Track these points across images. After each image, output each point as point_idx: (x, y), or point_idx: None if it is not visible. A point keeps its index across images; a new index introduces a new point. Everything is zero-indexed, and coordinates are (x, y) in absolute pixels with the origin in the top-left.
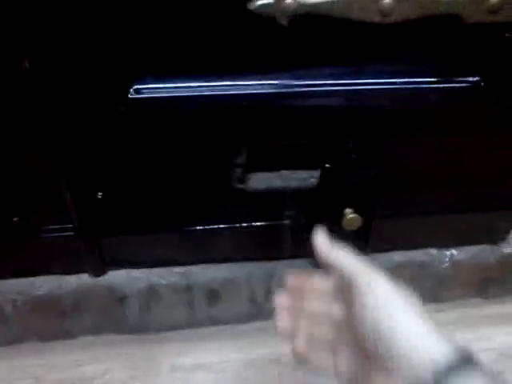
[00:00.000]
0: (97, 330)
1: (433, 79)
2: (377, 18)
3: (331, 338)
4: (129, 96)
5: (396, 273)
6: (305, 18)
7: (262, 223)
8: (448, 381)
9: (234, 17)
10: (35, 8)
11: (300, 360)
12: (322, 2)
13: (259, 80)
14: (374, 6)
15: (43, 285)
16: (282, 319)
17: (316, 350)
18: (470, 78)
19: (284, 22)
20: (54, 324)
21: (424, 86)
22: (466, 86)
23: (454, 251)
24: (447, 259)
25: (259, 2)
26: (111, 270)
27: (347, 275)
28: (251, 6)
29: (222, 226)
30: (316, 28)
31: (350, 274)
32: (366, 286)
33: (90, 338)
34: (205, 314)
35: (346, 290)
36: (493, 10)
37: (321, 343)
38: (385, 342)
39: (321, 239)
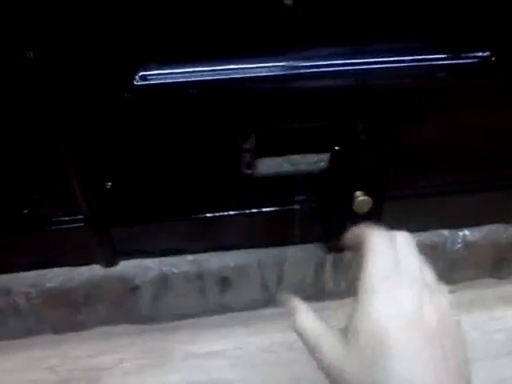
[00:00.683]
0: (110, 320)
1: (442, 55)
2: None
3: None
4: (134, 83)
5: None
6: None
7: (272, 209)
8: None
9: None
10: None
11: None
12: None
13: (266, 62)
14: None
15: (55, 277)
16: None
17: None
18: (480, 53)
19: (289, 1)
20: (68, 315)
21: (433, 62)
22: (477, 62)
23: (466, 232)
24: (460, 240)
25: None
26: (123, 260)
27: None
28: None
29: (231, 212)
30: (321, 7)
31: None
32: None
33: (103, 329)
34: (217, 301)
35: None
36: None
37: None
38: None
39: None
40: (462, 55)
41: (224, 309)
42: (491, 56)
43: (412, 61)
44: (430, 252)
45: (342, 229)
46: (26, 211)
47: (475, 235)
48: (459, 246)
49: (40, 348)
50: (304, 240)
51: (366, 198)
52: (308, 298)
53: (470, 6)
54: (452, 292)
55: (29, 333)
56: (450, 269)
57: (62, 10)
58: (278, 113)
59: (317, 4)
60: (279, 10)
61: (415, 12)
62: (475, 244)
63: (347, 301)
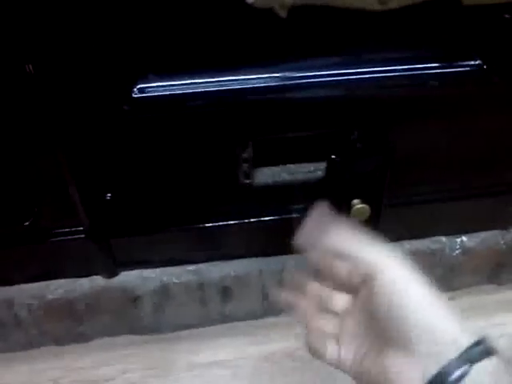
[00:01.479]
0: (112, 331)
1: (434, 64)
2: (376, 6)
3: (334, 328)
4: (133, 95)
5: None
6: (303, 9)
7: (271, 218)
8: (473, 360)
9: (232, 11)
10: (37, 10)
11: (314, 354)
12: None
13: (261, 73)
14: None
15: (57, 288)
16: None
17: (324, 342)
18: (472, 62)
19: (283, 14)
20: (70, 327)
21: (425, 71)
22: (468, 70)
23: (464, 238)
24: (458, 246)
25: None
26: (123, 270)
27: (364, 264)
28: (249, 0)
29: (230, 222)
30: (314, 19)
31: (366, 264)
32: (385, 275)
33: (105, 340)
34: (218, 310)
35: (359, 276)
36: None
37: (327, 335)
38: (405, 324)
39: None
40: (454, 64)
41: (225, 318)
42: (483, 64)
43: (404, 70)
44: (428, 259)
45: None
46: (26, 223)
47: (473, 241)
48: (457, 252)
49: (42, 360)
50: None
51: (363, 205)
52: None
53: (461, 15)
54: (451, 299)
55: (31, 345)
56: (449, 275)
57: (60, 24)
58: (274, 123)
59: (310, 16)
60: (273, 22)
61: (407, 23)
62: (473, 250)
63: None
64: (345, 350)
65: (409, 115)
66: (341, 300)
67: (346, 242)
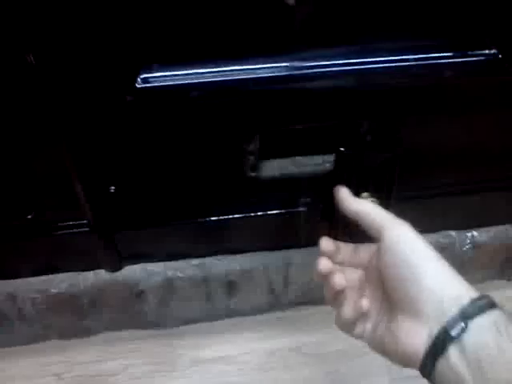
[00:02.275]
0: (116, 325)
1: (448, 54)
2: None
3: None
4: (136, 85)
5: None
6: None
7: (278, 211)
8: (473, 315)
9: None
10: (39, 1)
11: (344, 328)
12: None
13: (268, 63)
14: None
15: (61, 282)
16: (327, 290)
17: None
18: (487, 51)
19: (291, 1)
20: (74, 321)
21: (439, 61)
22: (483, 59)
23: (474, 233)
24: (468, 241)
25: None
26: (128, 264)
27: (376, 223)
28: None
29: (236, 215)
30: (324, 6)
31: (378, 223)
32: (394, 234)
33: (109, 334)
34: (223, 305)
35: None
36: None
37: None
38: (413, 284)
39: (345, 193)
40: (469, 53)
41: (230, 313)
42: (498, 53)
43: (417, 59)
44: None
45: (349, 231)
46: (29, 216)
47: (484, 236)
48: (468, 247)
49: (46, 354)
50: (310, 243)
51: (372, 199)
52: (314, 301)
53: (475, 4)
54: None
55: (34, 338)
56: (459, 270)
57: (62, 13)
58: (281, 114)
59: (319, 4)
60: (281, 10)
61: (420, 11)
62: (484, 245)
63: None
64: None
65: (420, 106)
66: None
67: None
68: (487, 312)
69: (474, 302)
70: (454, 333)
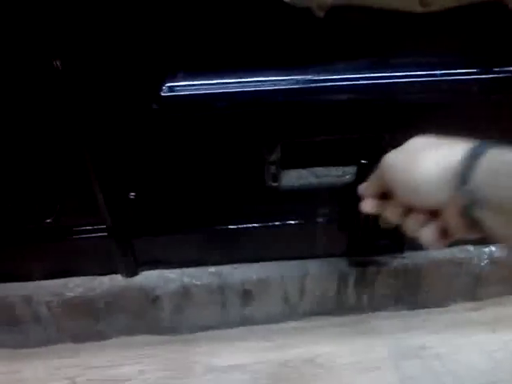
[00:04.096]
0: (130, 330)
1: (475, 70)
2: (418, 8)
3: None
4: (161, 94)
5: (435, 270)
6: (340, 10)
7: (296, 221)
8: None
9: (267, 11)
10: (67, 8)
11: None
12: None
13: (292, 75)
14: None
15: (76, 286)
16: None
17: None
18: None
19: (320, 14)
20: (88, 325)
21: (466, 77)
22: (510, 76)
23: (492, 248)
24: (486, 256)
25: None
26: (144, 270)
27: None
28: None
29: (255, 225)
30: (351, 20)
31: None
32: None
33: (123, 339)
34: (238, 314)
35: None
36: None
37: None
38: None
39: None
40: (495, 69)
41: (245, 321)
42: None
43: (443, 75)
44: (455, 268)
45: (367, 243)
46: (49, 220)
47: (501, 252)
48: (485, 262)
49: (59, 357)
50: (327, 253)
51: None
52: (329, 312)
53: (499, 21)
54: (477, 309)
55: (48, 341)
56: (476, 285)
57: (90, 22)
58: (304, 125)
59: (346, 17)
60: (308, 22)
61: (448, 26)
62: (501, 260)
63: (368, 316)
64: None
65: (442, 122)
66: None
67: None
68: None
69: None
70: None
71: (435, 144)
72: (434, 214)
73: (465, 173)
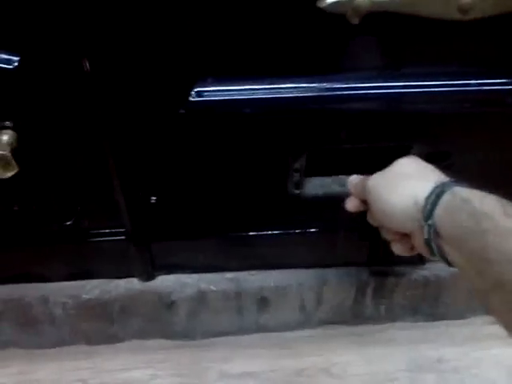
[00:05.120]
0: (144, 334)
1: (508, 80)
2: (456, 15)
3: None
4: (190, 99)
5: (455, 282)
6: (375, 16)
7: (317, 229)
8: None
9: (299, 17)
10: (97, 10)
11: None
12: None
13: (322, 82)
14: (454, 2)
15: (93, 289)
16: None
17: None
18: None
19: (355, 20)
20: (103, 328)
21: (501, 87)
22: None
23: None
24: None
25: (331, 0)
26: (161, 274)
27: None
28: (321, 4)
29: (275, 232)
30: (385, 27)
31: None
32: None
33: (137, 343)
34: (254, 320)
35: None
36: None
37: None
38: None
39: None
40: None
41: (260, 328)
42: None
43: (478, 85)
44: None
45: (388, 253)
46: (69, 223)
47: None
48: None
49: (72, 359)
50: (346, 262)
51: None
52: (346, 321)
53: None
54: (491, 323)
55: (62, 342)
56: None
57: (120, 26)
58: (331, 133)
59: (381, 24)
60: (341, 29)
61: (484, 35)
62: None
63: (385, 326)
64: None
65: (471, 133)
66: None
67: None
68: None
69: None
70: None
71: (415, 173)
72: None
73: (429, 209)
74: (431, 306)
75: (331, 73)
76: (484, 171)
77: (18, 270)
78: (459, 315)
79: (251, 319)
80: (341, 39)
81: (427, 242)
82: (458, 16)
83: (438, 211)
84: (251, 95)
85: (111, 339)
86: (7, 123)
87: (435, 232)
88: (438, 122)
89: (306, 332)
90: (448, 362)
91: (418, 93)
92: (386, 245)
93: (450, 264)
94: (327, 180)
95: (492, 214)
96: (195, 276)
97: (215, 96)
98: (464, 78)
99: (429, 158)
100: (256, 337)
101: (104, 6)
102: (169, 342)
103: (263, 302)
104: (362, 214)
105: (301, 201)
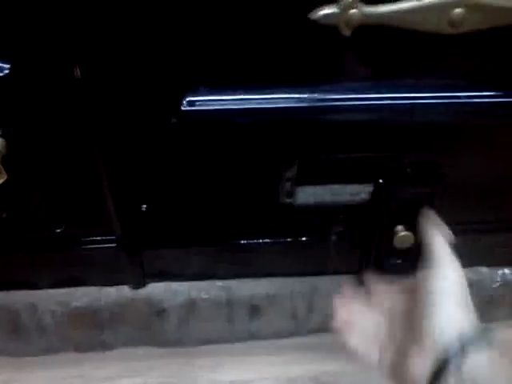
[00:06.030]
0: (134, 342)
1: (500, 93)
2: (447, 29)
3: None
4: (181, 108)
5: None
6: (366, 29)
7: (308, 238)
8: (468, 350)
9: (291, 28)
10: (88, 17)
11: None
12: (392, 13)
13: (315, 93)
14: (444, 17)
15: (82, 296)
16: (338, 316)
17: (365, 343)
18: None
19: (347, 32)
20: (92, 335)
21: (491, 100)
22: None
23: (506, 270)
24: (499, 278)
25: (323, 12)
26: (151, 282)
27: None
28: (313, 16)
29: (266, 240)
30: (377, 39)
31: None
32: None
33: (126, 350)
34: (244, 328)
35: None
36: None
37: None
38: (425, 320)
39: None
40: None
41: (251, 336)
42: None
43: (468, 97)
44: None
45: (379, 262)
46: (59, 230)
47: None
48: (498, 284)
49: (61, 367)
50: (337, 271)
51: (407, 233)
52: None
53: None
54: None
55: (51, 350)
56: (487, 307)
57: (111, 33)
58: (323, 143)
59: (371, 36)
60: (332, 41)
61: (473, 48)
62: None
63: None
64: (384, 353)
65: (464, 143)
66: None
67: None
68: (483, 351)
69: (472, 338)
70: (451, 368)
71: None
72: None
73: None
74: None
75: (323, 83)
76: (475, 182)
77: (6, 277)
78: None
79: (242, 327)
80: (332, 51)
81: None
82: (448, 30)
83: None
84: (243, 105)
85: (101, 347)
86: None
87: None
88: (430, 133)
89: (297, 340)
90: None
91: (407, 105)
92: (377, 253)
93: None
94: (319, 189)
95: None
96: (186, 284)
97: (207, 105)
98: (454, 90)
99: (419, 168)
100: (247, 345)
101: (96, 14)
102: (159, 350)
103: (254, 310)
104: (355, 223)
105: (292, 209)
